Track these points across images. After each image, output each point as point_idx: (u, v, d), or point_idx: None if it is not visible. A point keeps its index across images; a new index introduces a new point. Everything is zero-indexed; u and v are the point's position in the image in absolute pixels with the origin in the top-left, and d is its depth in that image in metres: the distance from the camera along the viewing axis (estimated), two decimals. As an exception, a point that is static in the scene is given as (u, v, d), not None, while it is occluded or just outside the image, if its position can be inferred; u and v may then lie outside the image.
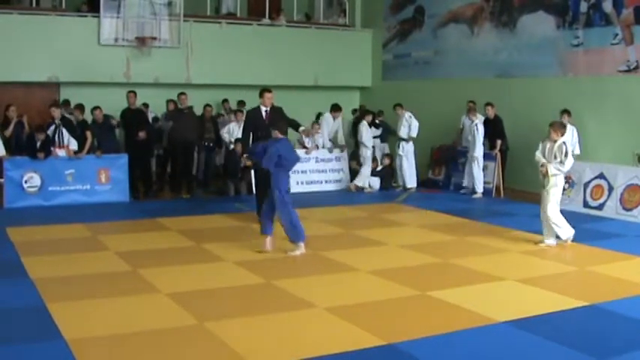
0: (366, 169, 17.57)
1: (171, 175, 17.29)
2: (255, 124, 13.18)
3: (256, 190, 13.63)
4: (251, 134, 13.14)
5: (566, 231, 11.36)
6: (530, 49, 17.13)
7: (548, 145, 11.38)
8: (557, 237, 11.41)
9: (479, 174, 16.65)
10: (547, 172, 11.26)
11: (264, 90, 13.34)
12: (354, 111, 20.51)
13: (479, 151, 16.51)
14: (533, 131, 16.64)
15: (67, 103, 17.35)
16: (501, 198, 16.30)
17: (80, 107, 16.32)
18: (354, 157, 18.25)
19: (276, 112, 13.31)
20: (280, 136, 10.92)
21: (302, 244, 10.72)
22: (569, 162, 11.21)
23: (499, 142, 16.59)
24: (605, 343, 7.05)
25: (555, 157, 11.19)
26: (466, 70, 19.03)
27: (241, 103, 19.33)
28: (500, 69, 18.08)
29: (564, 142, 11.23)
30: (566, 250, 11.20)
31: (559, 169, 11.19)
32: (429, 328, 7.37)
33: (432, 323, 7.56)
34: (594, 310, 8.09)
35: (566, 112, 15.17)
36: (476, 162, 16.57)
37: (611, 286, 9.19)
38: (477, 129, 16.50)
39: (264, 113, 13.18)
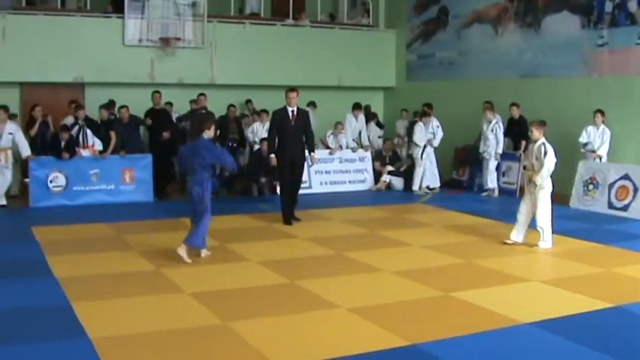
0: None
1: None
2: (280, 124, 13.22)
3: (281, 188, 13.69)
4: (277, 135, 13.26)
5: (549, 240, 11.18)
6: (555, 49, 17.04)
7: (530, 146, 11.30)
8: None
9: (494, 172, 16.69)
10: (530, 177, 11.20)
11: (288, 90, 13.37)
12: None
13: (500, 149, 16.50)
14: (558, 132, 16.55)
15: (112, 103, 17.40)
16: (525, 199, 16.20)
17: (106, 107, 16.42)
18: (378, 158, 18.23)
19: (302, 115, 13.36)
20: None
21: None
22: (549, 161, 10.98)
23: (524, 142, 16.50)
24: (631, 345, 7.02)
25: (537, 159, 11.08)
26: (490, 70, 18.96)
27: (249, 101, 19.66)
28: (524, 69, 18.00)
29: (544, 143, 11.06)
30: (591, 251, 11.13)
31: (540, 174, 11.03)
32: (452, 328, 7.35)
33: (456, 324, 7.54)
34: (619, 311, 8.04)
35: (599, 111, 15.04)
36: (494, 160, 16.60)
37: (636, 287, 9.12)
38: (500, 127, 16.47)
39: (290, 114, 13.20)
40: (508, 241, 11.36)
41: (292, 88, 13.43)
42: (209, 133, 10.48)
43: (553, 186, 11.31)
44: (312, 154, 13.66)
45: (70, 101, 16.99)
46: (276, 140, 13.26)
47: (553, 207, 11.36)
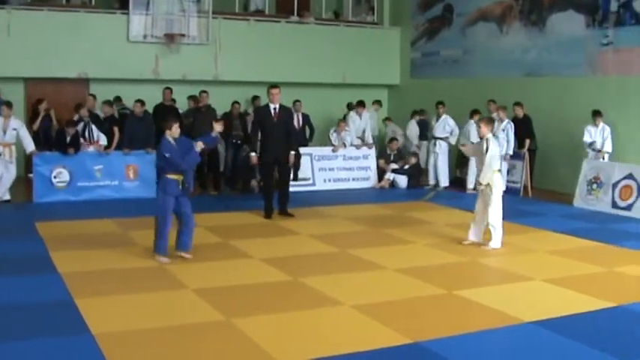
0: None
1: (197, 171, 17.28)
2: (263, 121, 13.30)
3: (263, 186, 13.87)
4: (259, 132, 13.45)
5: (498, 240, 11.06)
6: (560, 48, 17.03)
7: (477, 142, 11.36)
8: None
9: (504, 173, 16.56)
10: (465, 151, 11.31)
11: (270, 86, 13.46)
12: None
13: (511, 149, 16.27)
14: (562, 131, 16.60)
15: (119, 99, 17.48)
16: (529, 198, 16.19)
17: (109, 103, 16.42)
18: (382, 156, 18.23)
19: (285, 112, 13.49)
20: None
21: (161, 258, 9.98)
22: (489, 157, 10.88)
23: (528, 141, 16.44)
24: (632, 345, 7.00)
25: (482, 154, 11.07)
26: (495, 68, 18.95)
27: (256, 98, 19.46)
28: (528, 68, 18.00)
29: (487, 139, 11.03)
30: (595, 250, 11.11)
31: (483, 173, 11.01)
32: (455, 327, 7.35)
33: (459, 322, 7.55)
34: (622, 311, 8.04)
35: (596, 113, 15.04)
36: (504, 161, 16.47)
37: (639, 287, 9.12)
38: (511, 127, 16.25)
39: (272, 111, 13.27)
40: (465, 242, 11.32)
41: (274, 85, 13.49)
42: (170, 133, 10.01)
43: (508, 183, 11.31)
44: (291, 153, 13.56)
45: (75, 105, 16.87)
46: (259, 138, 13.44)
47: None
